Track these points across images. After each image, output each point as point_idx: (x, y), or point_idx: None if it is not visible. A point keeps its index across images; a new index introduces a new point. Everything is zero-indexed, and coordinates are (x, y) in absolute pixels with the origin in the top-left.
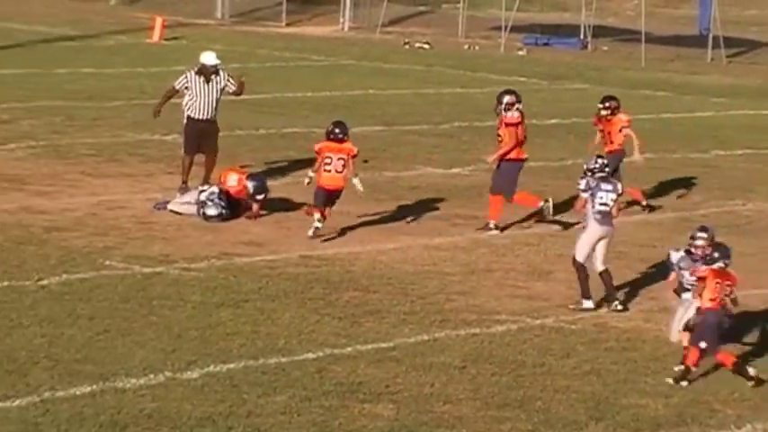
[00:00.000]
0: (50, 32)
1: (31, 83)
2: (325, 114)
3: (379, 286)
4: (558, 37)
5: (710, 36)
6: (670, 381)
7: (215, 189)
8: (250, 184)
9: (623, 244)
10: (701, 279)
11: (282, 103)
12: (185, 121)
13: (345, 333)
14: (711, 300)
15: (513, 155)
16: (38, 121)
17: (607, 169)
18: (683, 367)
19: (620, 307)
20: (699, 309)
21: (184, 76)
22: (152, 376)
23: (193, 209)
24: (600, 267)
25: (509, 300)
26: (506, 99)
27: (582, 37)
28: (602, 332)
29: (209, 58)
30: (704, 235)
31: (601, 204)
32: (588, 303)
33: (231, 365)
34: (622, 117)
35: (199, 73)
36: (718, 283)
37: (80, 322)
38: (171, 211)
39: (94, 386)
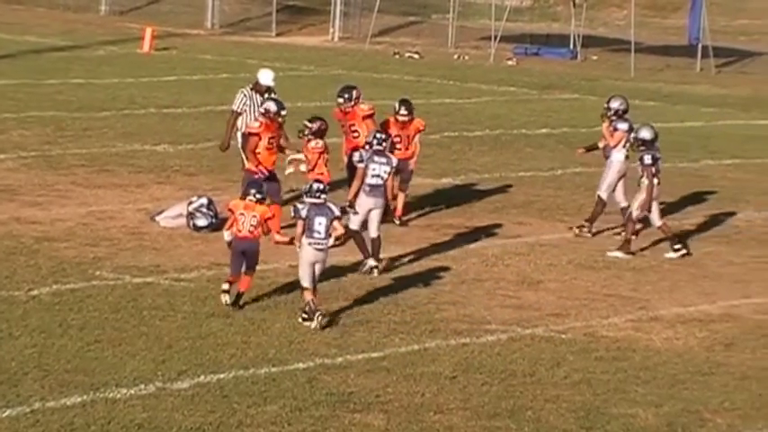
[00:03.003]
0: (41, 43)
1: (22, 93)
2: None
3: (369, 296)
4: (548, 47)
5: (700, 46)
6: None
7: (204, 200)
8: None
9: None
10: (231, 210)
11: None
12: (241, 139)
13: (336, 343)
14: (239, 230)
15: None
16: (28, 132)
17: (385, 144)
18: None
19: (375, 273)
20: (235, 238)
21: (242, 94)
22: (142, 386)
23: (183, 221)
24: (373, 234)
25: (499, 309)
26: (354, 93)
27: (572, 47)
28: (593, 341)
29: (266, 78)
30: None
31: (373, 176)
32: (371, 261)
33: (222, 376)
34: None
35: (254, 90)
36: (242, 214)
37: (71, 332)
38: (164, 227)
39: (85, 396)
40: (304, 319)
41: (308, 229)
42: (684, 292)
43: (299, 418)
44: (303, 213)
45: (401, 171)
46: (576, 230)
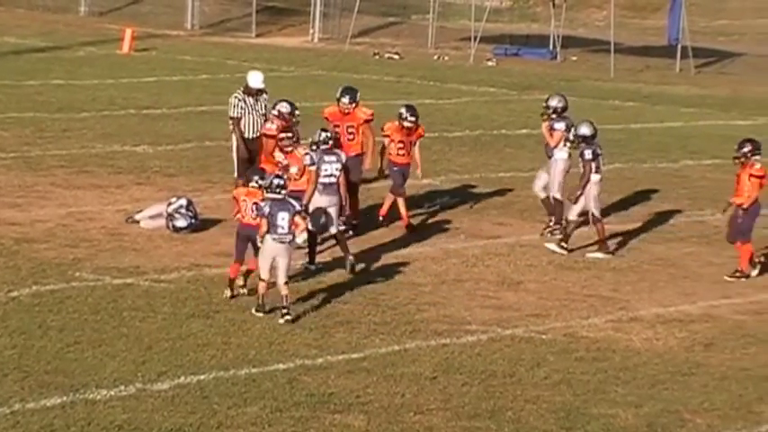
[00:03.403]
0: (20, 44)
1: (1, 94)
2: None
3: (349, 297)
4: (528, 47)
5: (679, 46)
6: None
7: (183, 201)
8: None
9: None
10: (235, 198)
11: None
12: (235, 142)
13: (316, 344)
14: (243, 217)
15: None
16: (7, 133)
17: (331, 141)
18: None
19: (348, 268)
20: (239, 225)
21: (236, 99)
22: (122, 388)
23: (163, 222)
24: (333, 231)
25: (479, 310)
26: (358, 95)
27: (551, 47)
28: (573, 342)
29: (255, 80)
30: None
31: (325, 176)
32: (312, 267)
33: (202, 377)
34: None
35: (246, 93)
36: (244, 200)
37: (50, 334)
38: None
39: (65, 398)
40: (257, 310)
41: (272, 225)
42: (664, 293)
43: (279, 419)
44: (266, 210)
45: (404, 177)
46: (548, 234)
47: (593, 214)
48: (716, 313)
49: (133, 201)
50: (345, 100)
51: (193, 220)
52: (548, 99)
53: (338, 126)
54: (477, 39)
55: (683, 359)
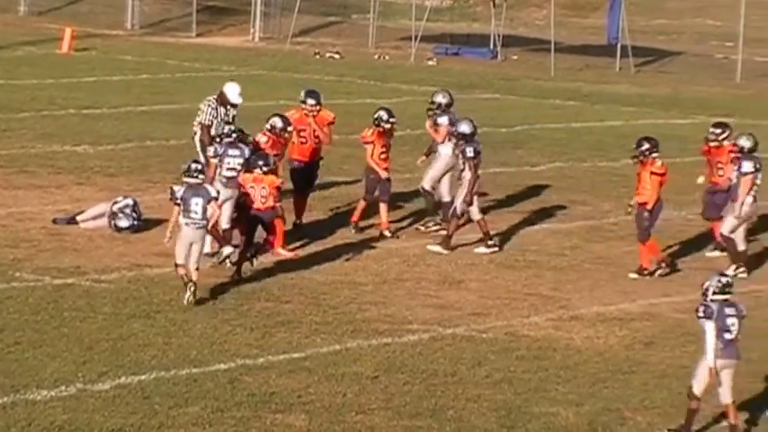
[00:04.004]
0: None
1: None
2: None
3: (291, 296)
4: (469, 47)
5: (619, 45)
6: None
7: (129, 201)
8: None
9: (533, 253)
10: (241, 185)
11: (193, 114)
12: (200, 145)
13: (257, 344)
14: (251, 203)
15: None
16: None
17: (234, 135)
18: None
19: (228, 263)
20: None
21: (208, 106)
22: (63, 388)
23: (105, 221)
24: (225, 225)
25: (421, 309)
26: (322, 97)
27: (492, 47)
28: (514, 341)
29: (233, 95)
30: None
31: (228, 169)
32: (227, 249)
33: (143, 377)
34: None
35: (220, 102)
36: (252, 187)
37: None
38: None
39: (5, 398)
40: (187, 289)
41: (185, 210)
42: (605, 291)
43: (220, 419)
44: (179, 194)
45: (386, 181)
46: (423, 228)
47: (455, 208)
48: (656, 311)
49: (73, 201)
50: (312, 101)
51: (136, 222)
52: (433, 95)
53: (303, 131)
54: (418, 38)
55: (624, 357)
